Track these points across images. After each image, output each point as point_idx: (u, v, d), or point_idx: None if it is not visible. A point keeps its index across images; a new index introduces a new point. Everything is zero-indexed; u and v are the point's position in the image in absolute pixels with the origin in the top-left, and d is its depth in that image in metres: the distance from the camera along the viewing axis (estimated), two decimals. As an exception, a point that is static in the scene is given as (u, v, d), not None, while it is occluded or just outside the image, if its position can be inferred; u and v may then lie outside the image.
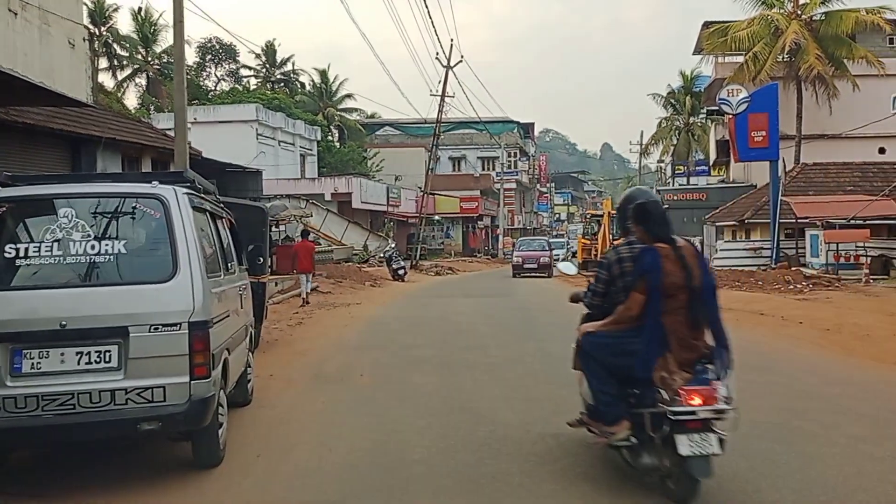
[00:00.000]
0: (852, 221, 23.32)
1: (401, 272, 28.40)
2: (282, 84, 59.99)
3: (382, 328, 13.49)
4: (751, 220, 28.07)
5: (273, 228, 26.94)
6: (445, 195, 51.33)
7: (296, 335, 12.55)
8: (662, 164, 66.99)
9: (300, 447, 5.73)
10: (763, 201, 27.44)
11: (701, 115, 54.21)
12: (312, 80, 58.92)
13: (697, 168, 54.40)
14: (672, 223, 4.88)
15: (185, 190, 5.26)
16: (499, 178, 56.28)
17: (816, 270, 22.83)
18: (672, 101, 58.51)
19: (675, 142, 58.93)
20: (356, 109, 60.80)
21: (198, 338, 4.74)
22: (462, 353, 10.00)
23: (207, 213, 5.80)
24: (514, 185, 61.96)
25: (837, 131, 30.45)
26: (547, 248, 35.19)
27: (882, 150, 31.04)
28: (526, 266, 32.35)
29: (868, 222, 23.23)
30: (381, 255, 32.82)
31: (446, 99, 37.17)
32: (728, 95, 26.62)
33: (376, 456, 5.49)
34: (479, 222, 58.56)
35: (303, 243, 18.97)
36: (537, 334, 12.11)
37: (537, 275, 31.29)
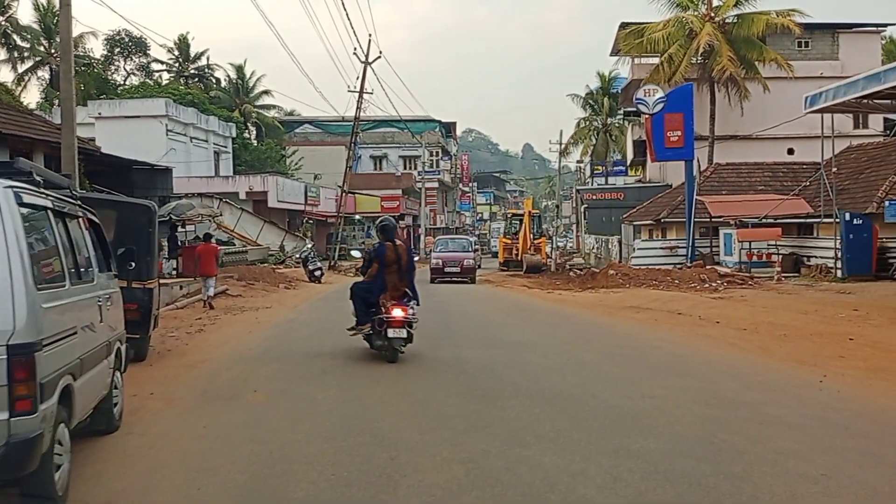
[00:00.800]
0: (764, 220, 23.77)
1: (317, 273, 27.44)
2: (196, 79, 57.59)
3: (289, 335, 12.62)
4: (667, 220, 28.37)
5: (180, 229, 25.58)
6: (366, 194, 50.46)
7: (192, 344, 11.54)
8: (582, 164, 67.93)
9: (164, 486, 4.87)
10: (678, 200, 27.76)
11: (618, 116, 55.13)
12: (228, 76, 57.01)
13: (615, 168, 55.29)
14: (397, 232, 10.31)
15: (12, 183, 4.34)
16: (421, 177, 55.65)
17: (731, 269, 23.17)
18: (590, 101, 59.27)
19: (593, 142, 59.75)
20: (274, 106, 59.30)
21: (19, 364, 3.85)
22: (370, 363, 9.28)
23: (49, 212, 4.87)
24: (436, 185, 61.48)
25: (749, 132, 31.19)
26: (470, 249, 31.30)
27: (791, 151, 31.96)
28: (447, 270, 27.86)
29: (779, 221, 23.71)
30: (298, 255, 31.66)
31: (365, 96, 36.28)
32: (645, 95, 26.82)
33: (253, 494, 4.71)
34: (400, 222, 57.80)
35: (205, 246, 17.98)
36: (454, 340, 11.45)
37: (460, 279, 27.63)
